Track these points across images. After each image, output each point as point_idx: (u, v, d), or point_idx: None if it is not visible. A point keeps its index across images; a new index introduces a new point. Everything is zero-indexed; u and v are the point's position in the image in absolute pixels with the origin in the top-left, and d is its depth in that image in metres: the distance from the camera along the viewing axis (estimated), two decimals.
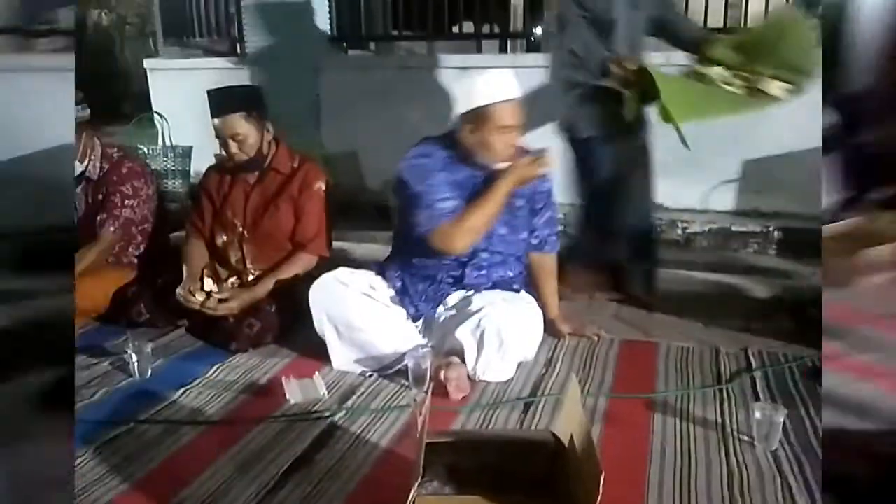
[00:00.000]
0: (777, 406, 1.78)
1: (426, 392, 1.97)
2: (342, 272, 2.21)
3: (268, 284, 2.40)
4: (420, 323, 2.23)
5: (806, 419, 1.85)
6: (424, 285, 2.25)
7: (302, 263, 2.47)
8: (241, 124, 2.40)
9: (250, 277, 2.48)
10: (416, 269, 2.25)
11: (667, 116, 2.28)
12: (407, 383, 2.05)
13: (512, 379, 2.09)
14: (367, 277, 2.25)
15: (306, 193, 2.48)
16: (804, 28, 2.44)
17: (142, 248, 2.73)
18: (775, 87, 2.40)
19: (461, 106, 2.14)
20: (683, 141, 2.31)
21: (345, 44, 4.51)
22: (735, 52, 2.47)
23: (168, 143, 4.28)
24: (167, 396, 2.01)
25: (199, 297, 2.34)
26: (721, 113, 2.53)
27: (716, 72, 2.46)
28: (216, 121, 2.41)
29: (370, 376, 2.12)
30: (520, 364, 2.15)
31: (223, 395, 2.02)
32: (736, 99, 2.44)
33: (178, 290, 2.38)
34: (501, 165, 2.14)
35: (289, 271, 2.44)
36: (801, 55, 2.40)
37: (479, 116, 2.11)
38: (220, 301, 2.35)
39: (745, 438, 1.75)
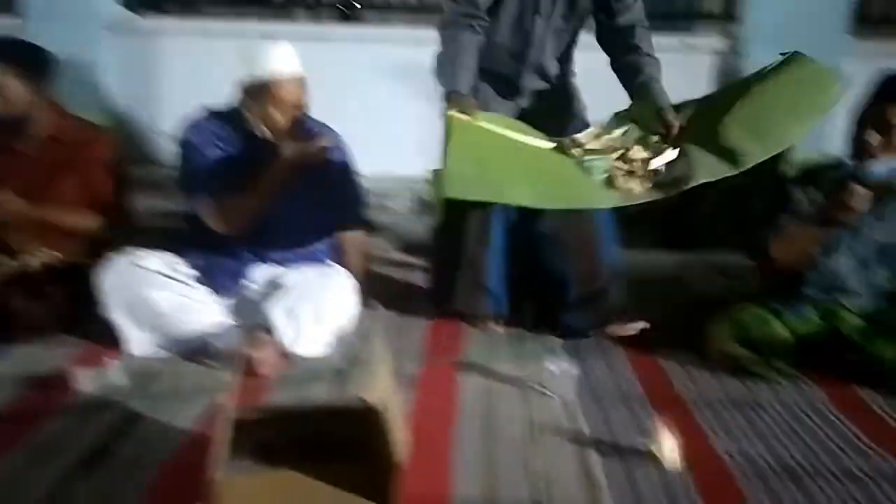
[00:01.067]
0: (572, 361, 1.94)
1: (235, 371, 1.92)
2: (136, 252, 2.07)
3: (39, 212, 2.18)
4: (227, 301, 2.15)
5: (598, 372, 2.04)
6: (227, 261, 2.16)
7: (85, 219, 2.26)
8: (7, 77, 2.15)
9: (33, 262, 2.23)
10: (216, 246, 2.14)
11: (441, 189, 1.76)
12: (215, 364, 1.98)
13: (327, 352, 2.08)
14: (165, 256, 2.12)
15: (93, 165, 2.27)
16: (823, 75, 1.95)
17: None
18: (641, 185, 1.89)
19: (241, 77, 2.09)
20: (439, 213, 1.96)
21: (140, 6, 4.16)
22: (684, 113, 1.98)
23: None
24: None
25: None
26: (537, 199, 1.90)
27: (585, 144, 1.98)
28: None
29: (174, 360, 2.02)
30: (334, 336, 2.14)
31: (4, 389, 1.82)
32: (581, 187, 1.91)
33: None
34: (287, 147, 2.07)
35: (66, 218, 2.23)
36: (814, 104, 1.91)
37: (258, 89, 2.07)
38: None
39: (544, 391, 1.89)
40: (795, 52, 2.01)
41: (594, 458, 1.58)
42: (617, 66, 2.12)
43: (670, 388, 1.96)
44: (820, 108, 1.93)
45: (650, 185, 1.89)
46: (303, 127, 2.15)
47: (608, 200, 1.90)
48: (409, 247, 3.17)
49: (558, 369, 1.91)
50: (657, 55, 2.13)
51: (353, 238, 2.37)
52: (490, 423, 1.74)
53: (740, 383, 1.98)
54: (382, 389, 1.38)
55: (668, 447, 1.54)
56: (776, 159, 1.98)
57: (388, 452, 1.24)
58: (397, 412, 1.30)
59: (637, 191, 1.89)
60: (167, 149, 3.73)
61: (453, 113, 1.90)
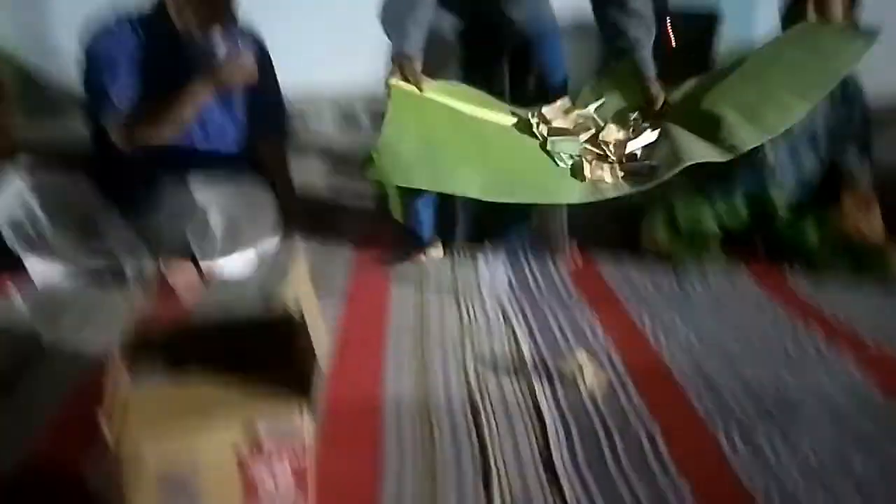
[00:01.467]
0: (505, 265, 1.91)
1: (150, 295, 1.81)
2: (28, 171, 1.87)
3: None
4: (138, 223, 1.99)
5: (528, 274, 2.01)
6: (138, 181, 1.98)
7: None
8: None
9: None
10: (126, 166, 1.96)
11: (374, 172, 1.50)
12: (127, 290, 1.86)
13: (247, 271, 1.98)
14: (67, 173, 1.93)
15: None
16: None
17: None
18: (613, 174, 1.66)
19: None
20: (397, 213, 1.82)
21: None
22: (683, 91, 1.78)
23: None
24: None
25: None
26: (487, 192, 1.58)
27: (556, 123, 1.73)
28: None
29: (82, 287, 1.88)
30: (255, 255, 2.03)
31: None
32: (541, 177, 1.66)
33: None
34: (219, 53, 1.84)
35: None
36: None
37: None
38: None
39: (476, 294, 1.86)
40: (802, 22, 1.86)
41: (529, 359, 1.55)
42: (600, 24, 1.85)
43: (604, 287, 1.94)
44: (828, 80, 1.66)
45: (623, 174, 1.65)
46: (230, 31, 1.95)
47: (572, 194, 1.63)
48: (336, 162, 3.04)
49: (491, 273, 1.86)
50: None
51: (270, 151, 2.22)
52: (423, 328, 1.69)
53: (672, 273, 1.99)
54: (302, 297, 1.30)
55: (591, 373, 1.43)
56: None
57: (307, 357, 1.17)
58: (318, 317, 1.23)
59: (608, 180, 1.64)
60: (64, 67, 3.45)
61: (396, 82, 1.63)
